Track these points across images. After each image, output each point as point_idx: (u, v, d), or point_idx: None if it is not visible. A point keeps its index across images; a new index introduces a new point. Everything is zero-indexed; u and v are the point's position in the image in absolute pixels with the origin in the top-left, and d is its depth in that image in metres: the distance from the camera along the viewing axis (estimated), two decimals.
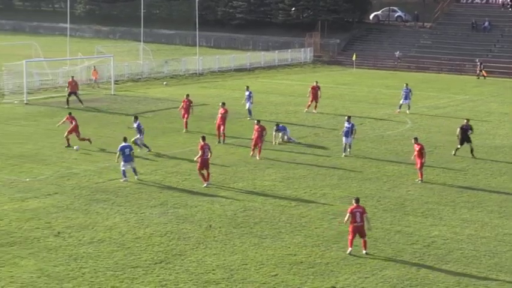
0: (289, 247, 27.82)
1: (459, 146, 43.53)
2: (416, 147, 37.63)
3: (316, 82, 59.58)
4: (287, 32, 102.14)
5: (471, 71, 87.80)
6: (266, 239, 28.66)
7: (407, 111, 57.99)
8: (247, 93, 54.05)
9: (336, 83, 78.35)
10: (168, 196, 33.76)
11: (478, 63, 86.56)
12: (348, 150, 42.45)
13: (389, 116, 57.65)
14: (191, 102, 48.73)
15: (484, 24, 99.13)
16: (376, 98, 67.48)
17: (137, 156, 38.02)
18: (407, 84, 59.83)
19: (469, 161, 42.72)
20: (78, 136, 42.65)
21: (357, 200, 27.56)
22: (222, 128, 44.94)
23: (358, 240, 27.31)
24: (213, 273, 25.03)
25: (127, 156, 35.67)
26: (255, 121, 42.62)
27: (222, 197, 33.97)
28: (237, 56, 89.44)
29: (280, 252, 27.23)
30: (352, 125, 42.38)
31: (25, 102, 57.47)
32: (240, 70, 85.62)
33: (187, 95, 49.67)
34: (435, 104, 61.89)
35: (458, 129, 43.68)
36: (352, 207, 27.29)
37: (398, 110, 58.41)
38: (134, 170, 35.99)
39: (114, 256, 26.25)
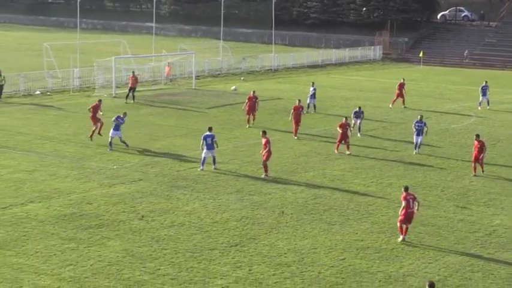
0: (357, 233, 27.73)
1: None
2: (477, 144, 36.61)
3: (403, 79, 59.10)
4: (358, 30, 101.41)
5: None
6: (335, 225, 28.60)
7: (488, 107, 56.99)
8: (311, 89, 53.67)
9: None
10: (243, 184, 33.92)
11: None
12: (418, 149, 40.76)
13: (455, 110, 56.87)
14: (257, 99, 47.68)
15: None
16: (442, 93, 66.60)
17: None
18: (486, 82, 58.87)
19: None
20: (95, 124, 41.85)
21: (406, 188, 27.23)
22: (298, 122, 44.32)
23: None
24: (285, 256, 25.09)
25: (209, 145, 35.92)
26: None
27: (293, 185, 33.99)
28: (310, 53, 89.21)
29: (348, 238, 27.15)
30: (424, 124, 40.89)
31: (113, 95, 58.32)
32: (312, 66, 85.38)
33: (253, 92, 48.65)
34: (499, 99, 60.78)
35: None
36: (404, 194, 26.99)
37: (480, 107, 57.41)
38: (214, 159, 36.23)
39: (193, 239, 26.50)
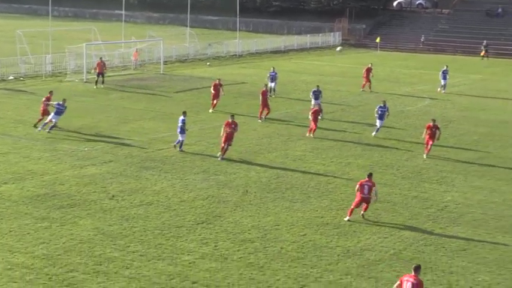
0: (317, 210, 27.85)
1: None
2: (431, 128, 36.24)
3: (371, 64, 59.24)
4: (318, 18, 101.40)
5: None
6: (296, 203, 28.70)
7: (443, 91, 57.32)
8: (271, 72, 53.31)
9: (362, 63, 77.63)
10: (209, 164, 33.87)
11: (483, 46, 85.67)
12: (376, 132, 40.58)
13: (409, 93, 57.21)
14: (221, 86, 47.10)
15: (497, 10, 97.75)
16: (398, 77, 66.95)
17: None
18: (447, 66, 59.23)
19: (480, 134, 42.34)
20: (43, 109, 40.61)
21: (369, 175, 27.21)
22: (265, 106, 44.13)
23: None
24: (249, 233, 25.14)
25: (180, 128, 35.67)
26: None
27: (257, 165, 34.01)
28: (273, 40, 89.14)
29: (308, 215, 27.27)
30: (387, 109, 40.83)
31: (84, 80, 57.77)
32: (275, 52, 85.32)
33: (219, 79, 48.02)
34: (452, 83, 61.13)
35: None
36: (363, 180, 27.09)
37: (439, 89, 57.71)
38: (180, 143, 35.94)
39: (161, 217, 26.44)
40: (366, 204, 26.92)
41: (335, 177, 32.46)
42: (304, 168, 33.76)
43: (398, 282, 18.59)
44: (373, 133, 40.93)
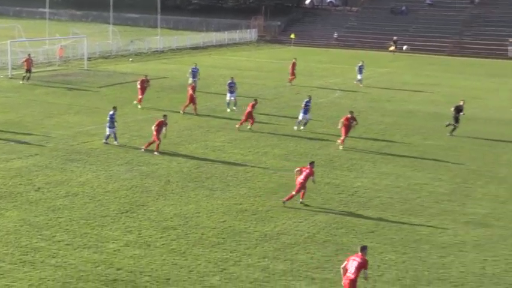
0: (236, 198, 27.91)
1: (454, 125, 40.53)
2: (348, 119, 36.29)
3: (295, 59, 59.57)
4: (236, 15, 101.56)
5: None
6: (216, 191, 28.70)
7: (361, 85, 58.04)
8: (194, 69, 53.06)
9: (277, 58, 78.30)
10: (133, 156, 33.54)
11: (393, 41, 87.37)
12: (304, 126, 40.13)
13: (322, 85, 57.83)
14: (148, 82, 46.28)
15: (401, 8, 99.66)
16: (311, 71, 67.54)
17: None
18: (363, 61, 59.99)
19: (387, 124, 43.15)
20: None
21: (311, 163, 27.34)
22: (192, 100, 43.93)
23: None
24: (171, 221, 25.02)
25: (109, 122, 35.11)
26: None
27: (179, 156, 33.85)
28: (193, 36, 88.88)
29: (228, 202, 27.31)
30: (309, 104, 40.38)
31: (9, 76, 56.43)
32: (195, 48, 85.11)
33: (146, 76, 47.20)
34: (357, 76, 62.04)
35: (453, 109, 40.56)
36: (302, 167, 27.31)
37: (356, 82, 58.41)
38: (107, 136, 35.35)
39: (87, 207, 26.07)
40: (302, 190, 27.09)
41: (252, 166, 32.58)
42: (224, 158, 33.78)
43: (345, 262, 18.56)
44: (295, 127, 40.19)
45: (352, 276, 18.13)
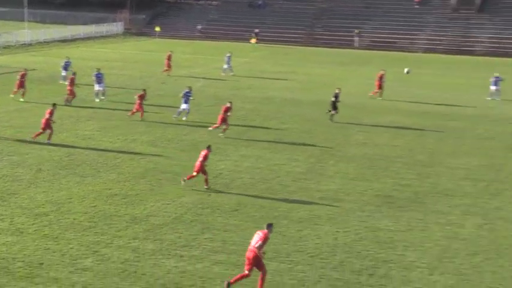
0: (106, 183, 27.55)
1: (333, 112, 41.05)
2: (225, 108, 36.29)
3: (171, 51, 59.10)
4: (103, 9, 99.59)
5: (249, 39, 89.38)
6: (87, 177, 28.22)
7: (231, 73, 58.46)
8: (67, 62, 51.92)
9: (142, 50, 77.61)
10: (3, 146, 32.36)
11: (254, 33, 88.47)
12: (184, 117, 39.50)
13: (187, 75, 57.79)
14: (26, 74, 44.80)
15: (258, 2, 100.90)
16: (177, 61, 67.00)
17: None
18: (231, 52, 60.32)
19: (247, 110, 43.69)
20: None
21: (208, 147, 27.57)
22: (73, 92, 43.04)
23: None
24: (43, 207, 24.41)
25: None
26: None
27: (49, 145, 32.98)
28: (60, 30, 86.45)
29: (98, 188, 26.92)
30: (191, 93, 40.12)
31: None
32: (63, 41, 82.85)
33: (25, 69, 45.72)
34: (222, 66, 62.56)
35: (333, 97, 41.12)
36: (202, 151, 27.38)
37: (224, 74, 58.66)
38: None
39: None
40: (205, 176, 27.00)
41: (121, 152, 32.22)
42: (94, 146, 33.20)
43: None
44: (174, 116, 39.62)
45: (254, 249, 18.46)
